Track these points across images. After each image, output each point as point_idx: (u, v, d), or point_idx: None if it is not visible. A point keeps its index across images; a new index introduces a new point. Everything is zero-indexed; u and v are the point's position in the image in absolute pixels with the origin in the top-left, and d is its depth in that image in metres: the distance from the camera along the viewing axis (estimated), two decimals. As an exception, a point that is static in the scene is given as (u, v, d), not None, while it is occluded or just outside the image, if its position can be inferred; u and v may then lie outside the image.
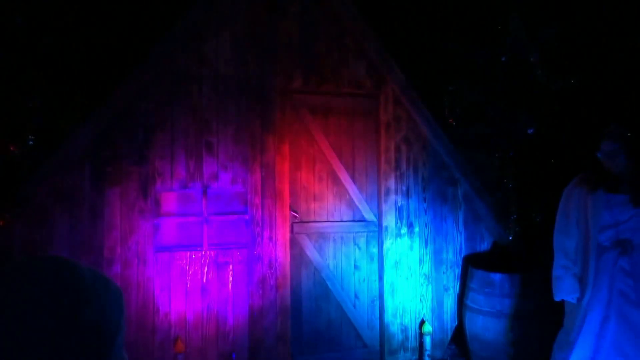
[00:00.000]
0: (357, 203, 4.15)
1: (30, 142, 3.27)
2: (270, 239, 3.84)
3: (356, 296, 4.15)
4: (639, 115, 3.69)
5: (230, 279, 3.75)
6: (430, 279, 4.26)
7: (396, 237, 4.18)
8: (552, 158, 4.22)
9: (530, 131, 4.02)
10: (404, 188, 4.21)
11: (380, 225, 4.17)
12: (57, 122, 3.47)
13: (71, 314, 0.76)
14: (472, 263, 4.17)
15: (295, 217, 3.96)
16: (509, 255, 4.29)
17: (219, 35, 3.75)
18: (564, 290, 2.85)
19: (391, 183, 4.17)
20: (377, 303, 4.20)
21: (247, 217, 3.79)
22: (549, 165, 4.25)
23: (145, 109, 3.58)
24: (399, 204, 4.19)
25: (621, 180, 2.66)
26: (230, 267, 3.75)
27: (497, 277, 3.80)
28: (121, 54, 3.75)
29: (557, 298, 2.92)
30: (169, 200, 3.64)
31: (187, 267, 3.65)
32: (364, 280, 4.19)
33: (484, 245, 4.44)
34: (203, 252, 3.69)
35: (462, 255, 4.37)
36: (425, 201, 4.27)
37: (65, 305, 0.76)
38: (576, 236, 2.82)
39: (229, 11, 3.77)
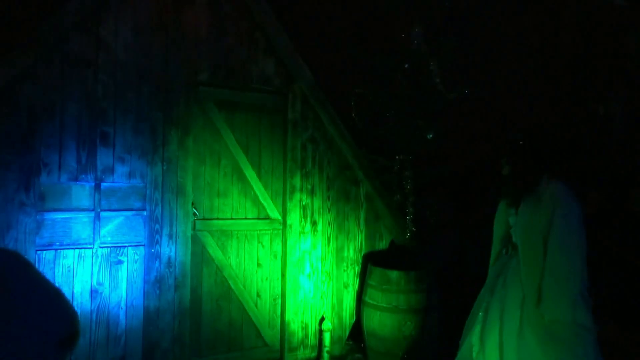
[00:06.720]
0: (262, 200, 4.11)
1: None
2: (170, 236, 3.66)
3: (258, 295, 4.11)
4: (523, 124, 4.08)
5: (125, 279, 3.51)
6: (331, 276, 4.35)
7: (300, 235, 4.20)
8: (448, 163, 4.52)
9: (429, 136, 4.27)
10: (309, 186, 4.25)
11: (284, 223, 4.17)
12: None
13: None
14: (371, 261, 4.33)
15: (195, 214, 3.82)
16: (406, 253, 4.52)
17: (119, 18, 3.48)
18: None
19: (297, 181, 4.18)
20: (279, 301, 4.19)
21: (145, 213, 3.58)
22: (445, 169, 4.55)
23: (31, 92, 3.22)
24: (304, 202, 4.22)
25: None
26: (125, 266, 3.52)
27: (394, 274, 3.97)
28: (5, 29, 3.34)
29: None
30: (56, 194, 3.31)
31: (75, 267, 3.36)
32: (266, 278, 4.16)
33: (383, 244, 4.63)
34: (94, 251, 3.42)
35: (363, 253, 4.51)
36: (329, 200, 4.34)
37: None
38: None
39: (132, -7, 3.53)
